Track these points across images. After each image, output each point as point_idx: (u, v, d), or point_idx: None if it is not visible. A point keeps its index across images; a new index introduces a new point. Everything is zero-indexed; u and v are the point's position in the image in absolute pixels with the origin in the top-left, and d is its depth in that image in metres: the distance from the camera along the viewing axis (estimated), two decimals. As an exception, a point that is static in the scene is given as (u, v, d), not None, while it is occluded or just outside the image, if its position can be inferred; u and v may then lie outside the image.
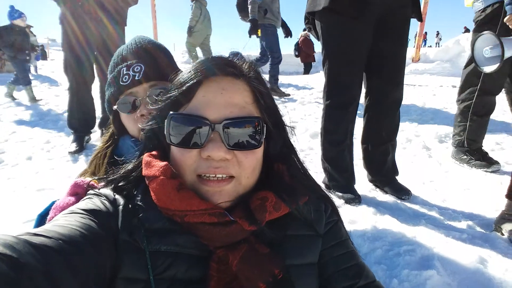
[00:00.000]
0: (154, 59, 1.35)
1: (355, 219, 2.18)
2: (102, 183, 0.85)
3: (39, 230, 0.58)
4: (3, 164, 3.61)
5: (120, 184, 0.81)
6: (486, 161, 3.14)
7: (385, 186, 2.62)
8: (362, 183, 2.75)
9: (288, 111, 0.90)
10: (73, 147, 3.87)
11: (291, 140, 0.90)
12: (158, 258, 0.69)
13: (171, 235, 0.72)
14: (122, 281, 0.67)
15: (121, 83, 1.30)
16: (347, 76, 2.40)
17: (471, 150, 3.24)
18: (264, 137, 0.77)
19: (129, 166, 0.85)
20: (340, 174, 2.52)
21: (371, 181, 2.74)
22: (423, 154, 3.68)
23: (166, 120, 0.76)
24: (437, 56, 10.11)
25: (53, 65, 11.83)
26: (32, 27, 10.62)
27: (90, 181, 1.01)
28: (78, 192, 1.01)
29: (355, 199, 2.41)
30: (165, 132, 0.76)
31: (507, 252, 1.80)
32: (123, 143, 1.32)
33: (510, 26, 2.63)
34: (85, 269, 0.59)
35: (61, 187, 2.99)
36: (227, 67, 0.77)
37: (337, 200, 2.46)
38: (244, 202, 0.76)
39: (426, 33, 32.37)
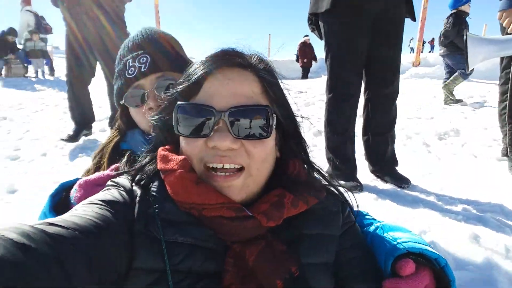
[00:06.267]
0: (160, 49, 1.30)
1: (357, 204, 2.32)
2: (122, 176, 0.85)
3: (56, 220, 0.59)
4: (19, 160, 3.77)
5: (137, 177, 0.80)
6: None
7: (385, 176, 2.75)
8: (364, 174, 2.88)
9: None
10: (67, 135, 4.13)
11: (302, 134, 0.89)
12: (173, 249, 0.68)
13: (187, 227, 0.71)
14: (137, 272, 0.67)
15: (127, 75, 1.27)
16: (347, 71, 2.59)
17: None
18: (273, 127, 0.76)
19: (145, 160, 0.85)
20: (343, 164, 2.66)
21: (372, 171, 2.88)
22: (423, 150, 3.81)
23: (174, 111, 0.76)
24: (437, 60, 10.28)
25: (58, 70, 12.03)
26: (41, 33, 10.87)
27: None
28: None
29: (357, 187, 2.55)
30: (173, 123, 0.77)
31: (498, 230, 1.93)
32: (132, 137, 1.29)
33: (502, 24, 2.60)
34: (100, 260, 0.59)
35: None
36: (233, 58, 0.76)
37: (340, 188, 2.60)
38: (262, 198, 0.76)
39: (433, 39, 32.45)
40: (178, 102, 0.76)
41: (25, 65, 10.74)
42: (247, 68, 0.77)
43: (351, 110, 2.64)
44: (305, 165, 0.85)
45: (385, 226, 0.91)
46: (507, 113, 2.86)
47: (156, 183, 0.77)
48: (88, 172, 1.27)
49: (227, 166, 0.72)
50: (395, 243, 0.79)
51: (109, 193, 0.75)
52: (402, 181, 2.65)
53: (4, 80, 9.42)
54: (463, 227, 1.95)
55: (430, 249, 0.76)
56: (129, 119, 1.33)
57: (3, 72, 10.11)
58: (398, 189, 2.61)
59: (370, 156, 2.85)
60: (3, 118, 5.45)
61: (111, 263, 0.62)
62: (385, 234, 0.85)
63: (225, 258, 0.70)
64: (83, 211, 0.65)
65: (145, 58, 1.25)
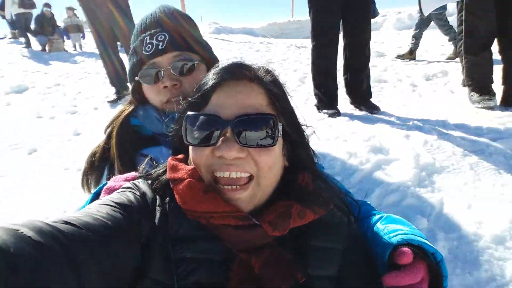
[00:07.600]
0: (178, 27, 1.31)
1: (333, 124, 3.08)
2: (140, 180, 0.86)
3: (70, 218, 0.61)
4: (77, 114, 4.79)
5: (154, 186, 0.82)
6: (484, 94, 3.14)
7: (361, 106, 3.47)
8: (345, 105, 3.60)
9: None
10: (112, 97, 5.03)
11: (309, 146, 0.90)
12: (181, 265, 0.70)
13: (196, 242, 0.72)
14: (150, 281, 0.69)
15: (144, 52, 1.27)
16: (326, 23, 3.26)
17: (476, 88, 3.25)
18: (279, 136, 0.77)
19: (160, 170, 0.87)
20: (326, 97, 3.41)
21: (351, 103, 3.60)
22: (409, 90, 4.40)
23: (183, 121, 0.78)
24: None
25: (93, 42, 12.98)
26: (76, 9, 11.77)
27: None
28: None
29: (335, 113, 3.30)
30: (182, 132, 0.78)
31: (427, 132, 2.64)
32: (145, 112, 1.31)
33: None
34: (108, 261, 0.61)
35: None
36: (240, 71, 0.78)
37: (322, 115, 3.35)
38: (269, 208, 0.77)
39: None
40: (187, 113, 0.78)
41: (64, 39, 11.77)
42: (254, 80, 0.79)
43: (330, 53, 3.33)
44: (313, 175, 0.87)
45: (388, 217, 0.90)
46: (462, 50, 3.35)
47: (168, 194, 0.79)
48: (98, 147, 1.34)
49: (233, 174, 0.74)
50: (395, 233, 0.79)
51: (125, 196, 0.76)
52: (373, 108, 3.37)
53: (48, 55, 10.51)
54: (401, 132, 2.68)
55: (429, 243, 0.76)
56: (142, 95, 1.35)
57: (47, 47, 11.18)
58: (369, 114, 3.33)
59: (349, 91, 3.56)
60: (57, 85, 6.49)
61: (120, 265, 0.65)
62: (386, 225, 0.85)
63: (231, 267, 0.71)
64: (97, 211, 0.67)
65: (163, 36, 1.26)
